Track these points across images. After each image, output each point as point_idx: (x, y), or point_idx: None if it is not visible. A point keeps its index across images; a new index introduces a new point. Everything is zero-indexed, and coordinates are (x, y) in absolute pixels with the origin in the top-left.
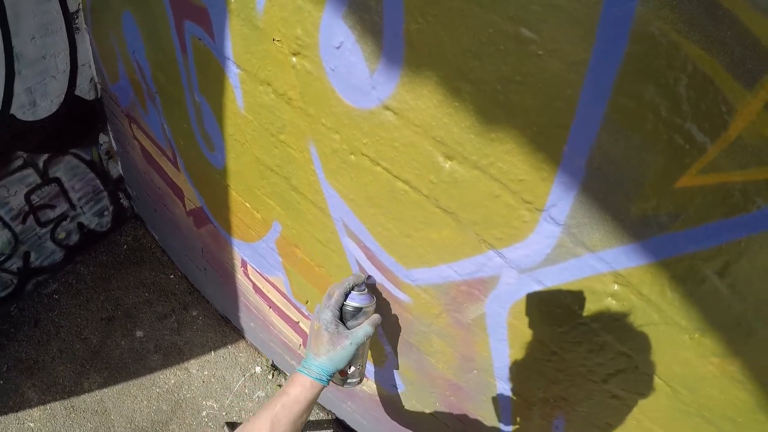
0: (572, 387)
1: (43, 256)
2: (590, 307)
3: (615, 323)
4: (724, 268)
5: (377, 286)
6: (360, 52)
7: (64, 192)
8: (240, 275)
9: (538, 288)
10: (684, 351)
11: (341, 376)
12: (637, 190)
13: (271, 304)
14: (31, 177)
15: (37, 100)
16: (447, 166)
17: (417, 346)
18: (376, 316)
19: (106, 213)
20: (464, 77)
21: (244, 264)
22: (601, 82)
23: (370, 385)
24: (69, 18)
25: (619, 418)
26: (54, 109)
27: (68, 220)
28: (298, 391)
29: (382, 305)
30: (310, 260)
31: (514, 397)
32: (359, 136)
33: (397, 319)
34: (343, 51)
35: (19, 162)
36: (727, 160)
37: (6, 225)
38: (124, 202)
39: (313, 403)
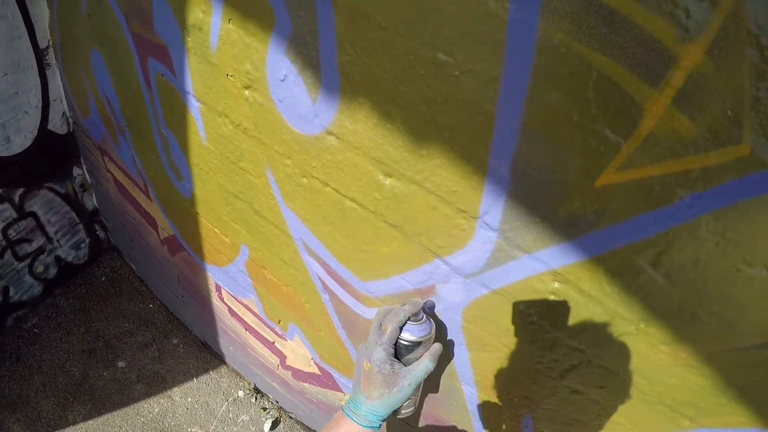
0: (533, 385)
1: (22, 290)
2: (535, 306)
3: (561, 320)
4: (657, 259)
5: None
6: (302, 84)
7: (40, 226)
8: (215, 300)
9: (484, 291)
10: (633, 342)
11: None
12: (561, 192)
13: (247, 327)
14: (7, 212)
15: (11, 135)
16: (387, 182)
17: None
18: (436, 347)
19: (83, 245)
20: (393, 101)
21: (218, 288)
22: (514, 95)
23: (344, 399)
24: (39, 54)
25: (583, 412)
26: (28, 144)
27: (45, 253)
28: None
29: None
30: (278, 280)
31: (481, 400)
32: (308, 160)
33: (361, 329)
34: (287, 83)
35: None
36: (643, 156)
37: None
38: (101, 234)
39: None
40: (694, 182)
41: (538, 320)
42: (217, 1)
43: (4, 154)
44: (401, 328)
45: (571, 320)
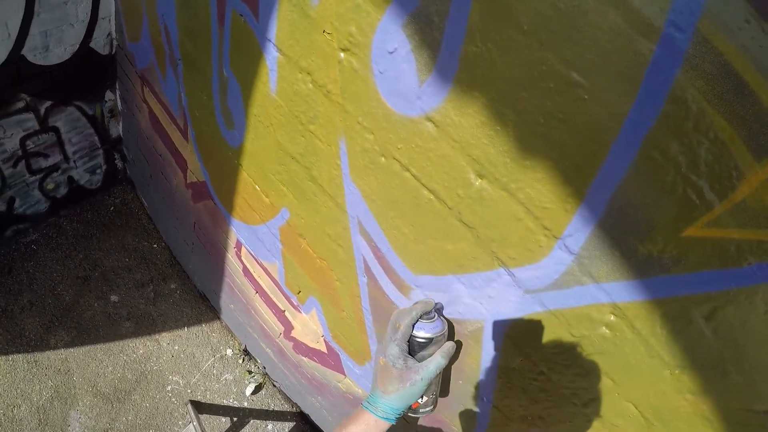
0: (553, 408)
1: (28, 204)
2: (585, 333)
3: (605, 351)
4: (711, 314)
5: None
6: (413, 62)
7: (60, 143)
8: (231, 256)
9: (539, 309)
10: (663, 385)
11: (413, 407)
12: (648, 234)
13: (259, 289)
14: (30, 122)
15: (51, 45)
16: (477, 183)
17: None
18: (449, 345)
19: (98, 171)
20: (511, 105)
21: (238, 245)
22: (634, 133)
23: (344, 382)
24: None
25: None
26: (66, 57)
27: (59, 171)
28: (361, 429)
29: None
30: (313, 252)
31: (494, 412)
32: (394, 140)
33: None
34: (395, 57)
35: (20, 104)
36: (729, 219)
37: None
38: (119, 164)
39: None
40: (764, 253)
41: (583, 347)
42: None
43: (40, 62)
44: (414, 326)
45: (615, 353)
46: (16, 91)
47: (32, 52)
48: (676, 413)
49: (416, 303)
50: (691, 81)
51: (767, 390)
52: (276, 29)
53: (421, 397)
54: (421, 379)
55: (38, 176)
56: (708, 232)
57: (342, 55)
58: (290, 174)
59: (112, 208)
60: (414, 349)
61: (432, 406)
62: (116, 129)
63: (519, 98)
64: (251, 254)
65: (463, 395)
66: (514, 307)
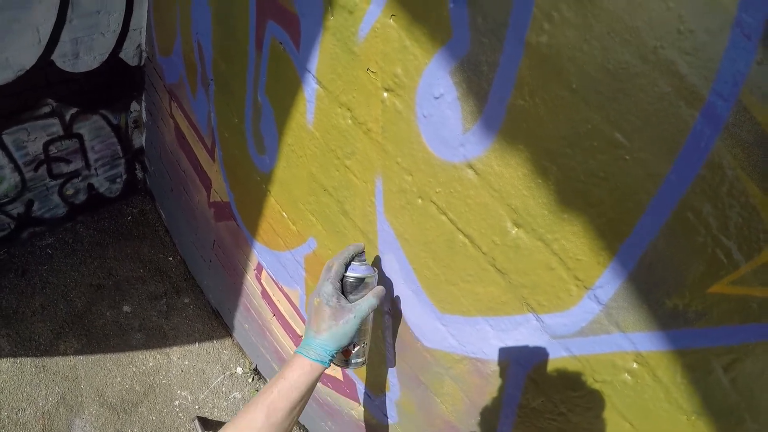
0: None
1: (46, 207)
2: (607, 379)
3: (626, 396)
4: (731, 365)
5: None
6: (459, 109)
7: (83, 150)
8: (250, 277)
9: (564, 354)
10: (679, 429)
11: (344, 357)
12: (676, 289)
13: (276, 313)
14: (55, 127)
15: (81, 52)
16: (513, 232)
17: (427, 384)
18: (379, 288)
19: (118, 180)
20: (553, 160)
21: (259, 268)
22: (671, 195)
23: (358, 410)
24: None
25: None
26: (95, 65)
27: (80, 178)
28: (296, 375)
29: (384, 283)
30: None
31: None
32: (433, 184)
33: (415, 355)
34: (441, 102)
35: (46, 109)
36: (754, 278)
37: (17, 168)
38: (139, 174)
39: (313, 387)
40: None
41: (604, 391)
42: None
43: (69, 69)
44: (347, 266)
45: (635, 398)
46: (42, 96)
47: (62, 59)
48: None
49: (348, 246)
50: (729, 148)
51: None
52: (317, 61)
53: (353, 345)
54: (354, 317)
55: (59, 181)
56: (732, 289)
57: (385, 94)
58: (321, 205)
59: (129, 217)
60: (347, 290)
61: (363, 358)
62: (139, 140)
63: (563, 154)
64: (272, 278)
65: (481, 426)
66: (539, 350)
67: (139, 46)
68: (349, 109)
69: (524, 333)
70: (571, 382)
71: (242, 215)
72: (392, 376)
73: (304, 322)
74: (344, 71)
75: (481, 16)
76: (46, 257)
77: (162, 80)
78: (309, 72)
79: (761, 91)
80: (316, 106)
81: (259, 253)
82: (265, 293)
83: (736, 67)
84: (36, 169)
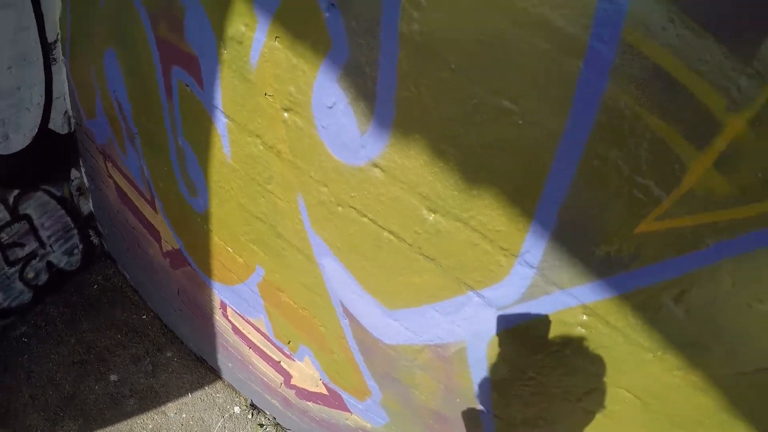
0: (550, 407)
1: (11, 297)
2: (563, 336)
3: (586, 348)
4: (679, 297)
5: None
6: (352, 114)
7: (33, 230)
8: (218, 316)
9: (516, 322)
10: (649, 367)
11: None
12: (602, 237)
13: (252, 345)
14: (1, 213)
15: (10, 133)
16: (431, 218)
17: (400, 380)
18: None
19: (76, 251)
20: (450, 141)
21: (223, 306)
22: (573, 148)
23: (351, 419)
24: (47, 48)
25: (594, 427)
26: (27, 142)
27: (37, 258)
28: None
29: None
30: (294, 303)
31: (497, 421)
32: (347, 190)
33: (380, 354)
34: (335, 111)
35: None
36: (680, 209)
37: None
38: (95, 240)
39: None
40: (721, 232)
41: (564, 349)
42: (263, 16)
43: (2, 152)
44: None
45: (595, 349)
46: None
47: None
48: (669, 389)
49: None
50: (623, 89)
51: (751, 353)
52: (221, 96)
53: None
54: None
55: (17, 267)
56: (660, 224)
57: (286, 115)
58: (257, 233)
59: (95, 286)
60: None
61: None
62: (87, 206)
63: (457, 134)
64: (237, 313)
65: (464, 412)
66: (490, 324)
67: (66, 112)
68: (258, 136)
69: (470, 311)
70: (530, 347)
71: (194, 258)
72: (368, 378)
73: (277, 349)
74: (245, 100)
75: (354, 19)
76: (24, 346)
77: (94, 143)
78: (216, 108)
79: (644, 26)
80: (229, 140)
81: (219, 292)
82: (235, 329)
83: (614, 8)
84: None
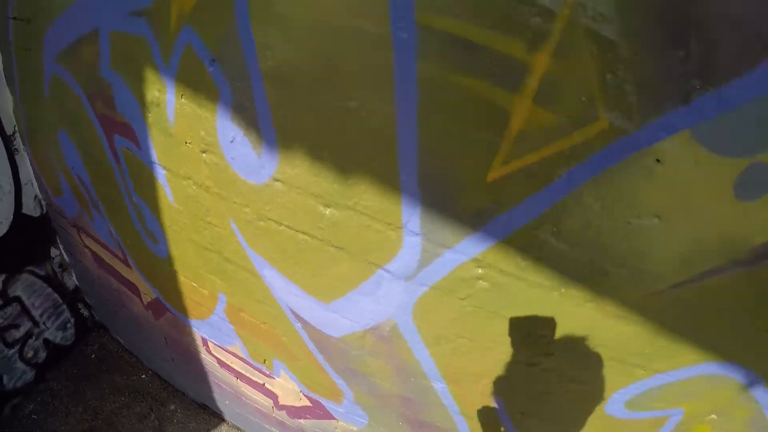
0: (492, 365)
1: (15, 377)
2: (468, 293)
3: (495, 299)
4: (555, 230)
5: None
6: (248, 143)
7: (25, 310)
8: (204, 354)
9: (424, 289)
10: (561, 305)
11: None
12: (462, 192)
13: (237, 374)
14: None
15: None
16: (327, 212)
17: (359, 370)
18: None
19: (68, 325)
20: (321, 145)
21: (204, 342)
22: (408, 122)
23: (340, 425)
24: (7, 140)
25: (544, 383)
26: (5, 230)
27: (34, 337)
28: None
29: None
30: (255, 319)
31: (453, 393)
32: (262, 206)
33: (334, 349)
34: (236, 144)
35: None
36: (520, 149)
37: None
38: (84, 312)
39: None
40: (568, 159)
41: (474, 304)
42: (169, 80)
43: None
44: None
45: (502, 298)
46: None
47: None
48: (591, 324)
49: None
50: (430, 64)
51: (654, 270)
52: (155, 152)
53: None
54: None
55: (16, 348)
56: (508, 168)
57: (204, 156)
58: (211, 263)
59: (92, 355)
60: None
61: None
62: (71, 280)
63: (324, 137)
64: (217, 345)
65: (422, 390)
66: (405, 296)
67: (36, 196)
68: (189, 178)
69: (385, 287)
70: (445, 310)
71: (170, 302)
72: (335, 377)
73: (257, 371)
74: (173, 151)
75: (229, 68)
76: (34, 424)
77: (65, 218)
78: (154, 162)
79: (432, 6)
80: (170, 187)
81: (197, 329)
82: (220, 362)
83: (402, 1)
84: None
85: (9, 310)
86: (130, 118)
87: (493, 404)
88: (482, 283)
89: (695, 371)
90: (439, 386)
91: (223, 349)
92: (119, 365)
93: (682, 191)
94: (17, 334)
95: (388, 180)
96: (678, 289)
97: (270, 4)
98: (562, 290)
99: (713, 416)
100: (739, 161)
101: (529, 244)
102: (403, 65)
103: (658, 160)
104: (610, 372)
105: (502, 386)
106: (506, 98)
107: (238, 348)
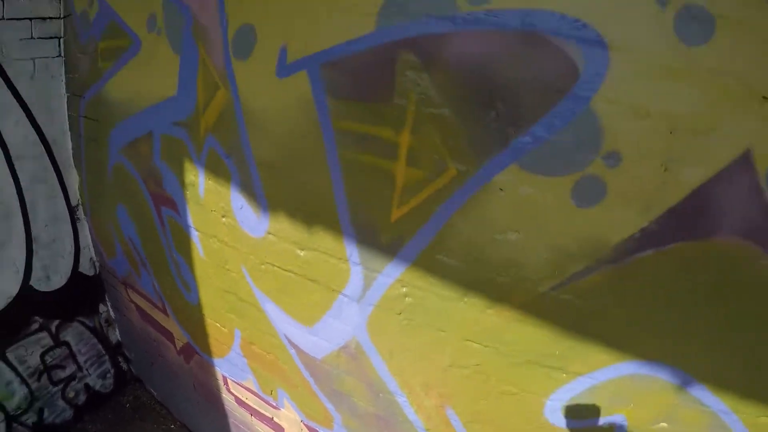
0: (436, 373)
1: (55, 413)
2: (401, 308)
3: (421, 313)
4: (444, 250)
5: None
6: (250, 208)
7: (72, 354)
8: (225, 394)
9: (371, 309)
10: (469, 313)
11: None
12: (378, 230)
13: (251, 411)
14: (45, 339)
15: (50, 274)
16: (302, 254)
17: (339, 389)
18: None
19: (108, 375)
20: (294, 207)
21: (225, 380)
22: (338, 186)
23: None
24: (71, 210)
25: (478, 386)
26: (63, 282)
27: (76, 380)
28: None
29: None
30: (262, 350)
31: (412, 404)
32: (262, 253)
33: (320, 371)
34: (243, 210)
35: (35, 326)
36: (406, 196)
37: (24, 381)
38: (124, 366)
39: None
40: (438, 198)
41: (407, 318)
42: (200, 168)
43: (45, 289)
44: None
45: (425, 311)
46: (30, 315)
47: (38, 282)
48: (498, 330)
49: None
50: (347, 148)
51: (532, 275)
52: (191, 217)
53: None
54: None
55: (59, 386)
56: (402, 209)
57: (223, 219)
58: (229, 303)
59: (128, 405)
60: None
61: None
62: (114, 335)
63: (295, 201)
64: (234, 381)
65: (389, 406)
66: (359, 315)
67: (91, 258)
68: (214, 236)
69: (346, 309)
70: (389, 325)
71: (198, 344)
72: (324, 401)
73: (266, 404)
74: (203, 217)
75: (235, 159)
76: None
77: (116, 277)
78: (190, 226)
79: (341, 116)
80: (201, 244)
81: (219, 367)
82: (238, 400)
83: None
84: (39, 379)
85: (58, 351)
86: (174, 194)
87: (447, 416)
88: (408, 299)
89: (614, 372)
90: (401, 400)
91: (239, 385)
92: (151, 416)
93: (528, 209)
94: (62, 374)
95: (333, 227)
96: (557, 290)
97: (258, 122)
98: (465, 299)
99: (663, 424)
100: (569, 177)
101: (431, 264)
102: (331, 151)
103: (501, 189)
104: (532, 375)
105: (447, 393)
106: (391, 165)
107: (251, 381)
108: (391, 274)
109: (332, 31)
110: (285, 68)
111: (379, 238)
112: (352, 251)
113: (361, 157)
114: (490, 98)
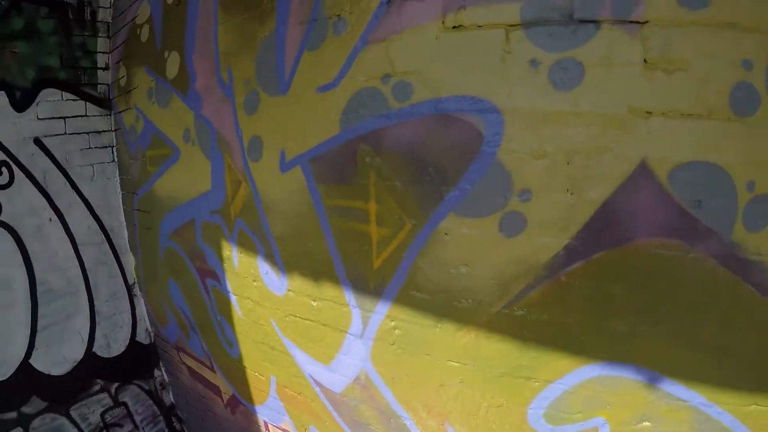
0: (430, 394)
1: None
2: (394, 339)
3: (410, 342)
4: (415, 287)
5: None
6: (273, 273)
7: (129, 414)
8: None
9: (371, 342)
10: (444, 336)
11: None
12: (365, 277)
13: None
14: (105, 400)
15: (111, 343)
16: (315, 304)
17: (357, 418)
18: None
19: None
20: (304, 267)
21: (266, 425)
22: (333, 248)
23: None
24: (129, 288)
25: (463, 403)
26: (122, 350)
27: None
28: None
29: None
30: (294, 392)
31: (418, 426)
32: (286, 308)
33: (342, 405)
34: (269, 274)
35: (96, 387)
36: (381, 248)
37: None
38: (177, 425)
39: None
40: (404, 245)
41: (400, 347)
42: (233, 245)
43: (106, 356)
44: None
45: (413, 340)
46: (92, 377)
47: (100, 349)
48: (471, 347)
49: None
50: (336, 221)
51: (487, 298)
52: (230, 284)
53: None
54: None
55: None
56: (381, 258)
57: (254, 283)
58: (264, 353)
59: None
60: None
61: None
62: (168, 398)
63: (303, 263)
64: (274, 425)
65: (398, 427)
66: (364, 350)
67: (147, 329)
68: (248, 298)
69: (353, 346)
70: (388, 355)
71: (242, 395)
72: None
73: None
74: (240, 283)
75: (260, 237)
76: None
77: (169, 343)
78: (230, 292)
79: (329, 196)
80: (239, 305)
81: (260, 413)
82: None
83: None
84: None
85: (117, 411)
86: (215, 267)
87: (445, 428)
88: (398, 331)
89: (582, 375)
90: (408, 423)
91: (278, 428)
92: None
93: (470, 245)
94: None
95: (333, 279)
96: (509, 308)
97: (271, 207)
98: (439, 326)
99: (646, 423)
100: (494, 216)
101: (408, 299)
102: (324, 222)
103: (446, 233)
104: (509, 386)
105: (445, 412)
106: (366, 227)
107: (287, 423)
108: (381, 311)
109: (313, 134)
110: (285, 165)
111: (368, 283)
112: (350, 296)
113: (345, 224)
114: (424, 167)
